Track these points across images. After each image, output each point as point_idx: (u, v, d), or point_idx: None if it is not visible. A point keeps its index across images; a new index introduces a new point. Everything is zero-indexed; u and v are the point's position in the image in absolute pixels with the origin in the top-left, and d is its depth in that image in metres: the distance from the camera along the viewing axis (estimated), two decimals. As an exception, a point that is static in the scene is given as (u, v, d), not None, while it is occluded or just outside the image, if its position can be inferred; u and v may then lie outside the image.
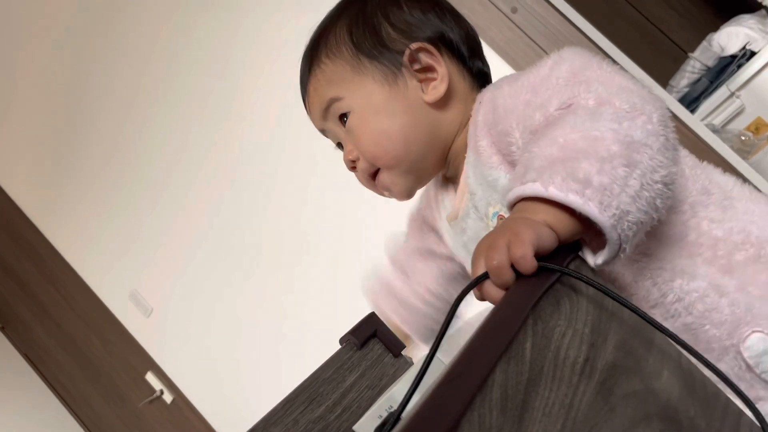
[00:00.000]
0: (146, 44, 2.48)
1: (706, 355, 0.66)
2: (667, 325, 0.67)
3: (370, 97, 0.81)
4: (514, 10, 1.69)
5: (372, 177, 0.85)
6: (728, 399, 0.51)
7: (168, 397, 2.64)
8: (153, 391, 2.66)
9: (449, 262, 0.98)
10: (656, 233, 0.67)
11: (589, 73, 0.64)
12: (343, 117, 0.83)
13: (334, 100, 0.83)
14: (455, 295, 0.46)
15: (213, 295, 2.47)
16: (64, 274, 2.85)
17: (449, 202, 0.90)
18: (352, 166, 0.85)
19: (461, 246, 0.88)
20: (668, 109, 0.62)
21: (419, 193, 1.00)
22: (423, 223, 1.00)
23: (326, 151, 2.10)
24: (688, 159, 0.72)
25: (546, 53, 1.62)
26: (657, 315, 0.68)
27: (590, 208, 0.51)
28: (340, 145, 0.88)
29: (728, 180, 0.73)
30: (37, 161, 2.92)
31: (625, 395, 0.43)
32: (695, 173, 0.71)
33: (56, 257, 2.86)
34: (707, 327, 0.66)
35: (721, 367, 0.67)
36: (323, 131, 0.89)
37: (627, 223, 0.52)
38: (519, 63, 1.65)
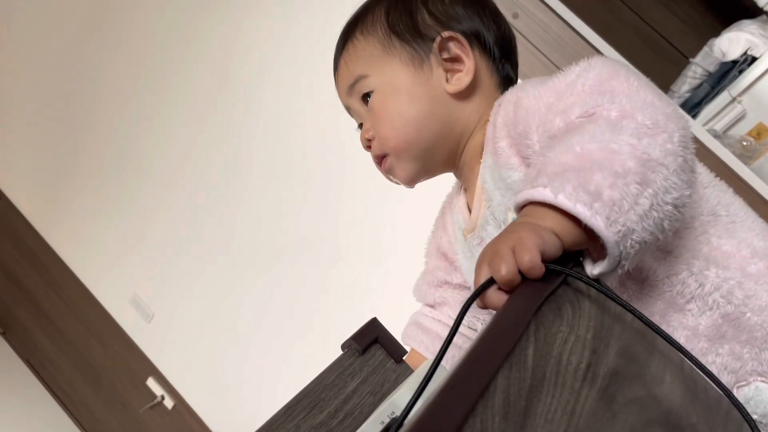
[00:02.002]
0: (146, 46, 2.49)
1: (750, 345, 0.66)
2: (705, 318, 0.67)
3: (395, 77, 0.82)
4: (516, 16, 1.69)
5: (380, 160, 0.86)
6: (730, 405, 0.51)
7: (169, 403, 2.64)
8: (154, 396, 2.66)
9: (465, 291, 0.97)
10: (675, 241, 0.67)
11: (615, 84, 0.63)
12: (366, 96, 0.84)
13: (360, 77, 0.84)
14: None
15: (214, 300, 2.47)
16: (65, 280, 2.85)
17: (462, 216, 0.89)
18: (368, 145, 0.86)
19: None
20: (691, 129, 0.61)
21: (433, 216, 0.99)
22: (437, 251, 0.98)
23: (329, 153, 2.09)
24: (702, 176, 0.72)
25: (548, 59, 1.63)
26: (694, 309, 0.67)
27: (597, 221, 0.50)
28: (361, 126, 0.88)
29: (735, 202, 0.73)
30: (38, 167, 2.93)
31: (627, 402, 0.43)
32: (706, 193, 0.71)
33: (57, 262, 2.86)
34: (748, 315, 0.66)
35: (766, 356, 0.66)
36: (347, 108, 0.90)
37: (631, 242, 0.52)
38: (521, 69, 1.64)
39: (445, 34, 0.81)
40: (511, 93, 0.78)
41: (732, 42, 2.19)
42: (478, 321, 0.96)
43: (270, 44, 2.22)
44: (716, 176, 0.75)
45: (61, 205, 2.86)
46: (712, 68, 2.23)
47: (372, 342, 0.81)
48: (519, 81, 0.88)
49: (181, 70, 2.41)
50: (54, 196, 2.88)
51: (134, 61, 2.53)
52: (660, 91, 0.64)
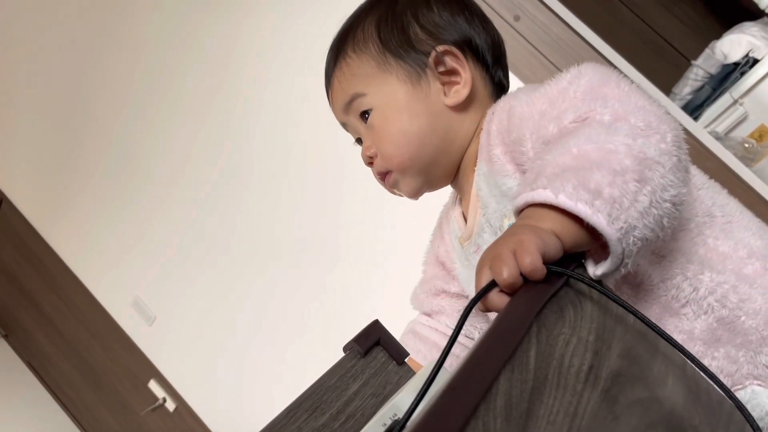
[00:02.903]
0: (146, 47, 2.49)
1: (746, 348, 0.67)
2: (700, 322, 0.68)
3: (393, 95, 0.82)
4: (517, 18, 1.69)
5: (383, 176, 0.86)
6: (732, 407, 0.51)
7: (171, 405, 2.64)
8: (156, 399, 2.66)
9: (463, 300, 0.97)
10: (670, 244, 0.67)
11: (606, 90, 0.64)
12: (364, 114, 0.84)
13: (357, 96, 0.83)
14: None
15: (216, 302, 2.47)
16: (67, 282, 2.86)
17: (457, 225, 0.90)
18: (370, 161, 0.86)
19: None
20: (683, 130, 0.62)
21: (434, 217, 1.00)
22: (435, 260, 0.99)
23: (329, 154, 2.08)
24: (696, 178, 0.73)
25: (549, 61, 1.63)
26: (690, 313, 0.68)
27: (598, 219, 0.51)
28: (359, 140, 0.89)
29: (731, 203, 0.73)
30: (39, 168, 2.93)
31: (629, 403, 0.43)
32: (701, 195, 0.72)
33: (59, 265, 2.87)
34: (743, 318, 0.66)
35: (761, 359, 0.67)
36: (344, 124, 0.90)
37: (633, 238, 0.52)
38: (522, 71, 1.65)
39: (440, 48, 0.81)
40: (504, 101, 0.79)
41: (733, 44, 2.19)
42: (475, 330, 0.97)
43: (269, 45, 2.22)
44: (710, 178, 0.76)
45: (62, 207, 2.86)
46: (713, 70, 2.23)
47: (374, 344, 0.81)
48: (512, 87, 0.88)
49: (180, 71, 2.42)
50: (55, 197, 2.88)
51: (134, 62, 2.53)
52: (650, 96, 0.65)
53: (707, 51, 2.28)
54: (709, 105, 2.16)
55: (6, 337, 3.29)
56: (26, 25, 2.81)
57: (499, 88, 0.87)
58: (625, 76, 0.68)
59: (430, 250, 1.01)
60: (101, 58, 2.62)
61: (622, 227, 0.51)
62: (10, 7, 2.81)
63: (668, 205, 0.55)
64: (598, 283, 0.50)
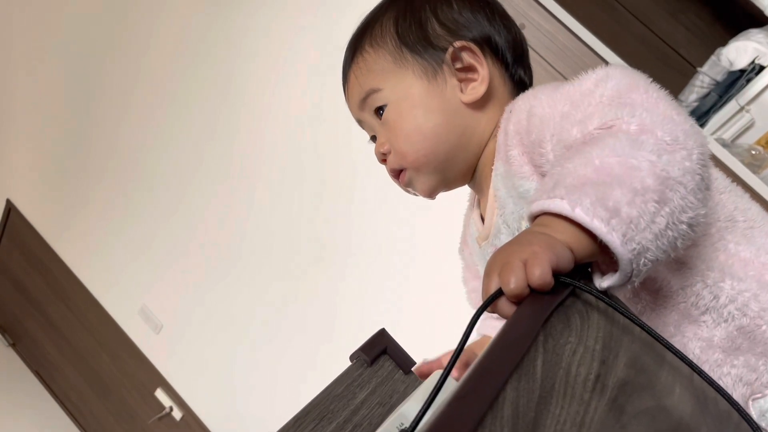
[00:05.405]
0: (153, 54, 2.51)
1: (766, 357, 0.66)
2: (720, 330, 0.67)
3: (408, 90, 0.81)
4: (522, 27, 1.70)
5: (397, 174, 0.85)
6: (740, 417, 0.51)
7: (177, 414, 2.64)
8: (162, 407, 2.67)
9: None
10: (690, 250, 0.67)
11: (635, 96, 0.62)
12: (379, 110, 0.83)
13: (372, 91, 0.83)
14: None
15: (223, 311, 2.47)
16: (75, 291, 2.87)
17: (476, 227, 0.89)
18: (383, 158, 0.85)
19: None
20: (708, 146, 0.60)
21: (447, 227, 0.99)
22: (471, 264, 0.98)
23: (346, 165, 2.08)
24: (718, 182, 0.72)
25: (555, 69, 1.63)
26: (709, 321, 0.67)
27: (613, 238, 0.50)
28: (374, 138, 0.88)
29: (752, 208, 0.72)
30: (47, 178, 2.95)
31: (636, 413, 0.42)
32: (722, 199, 0.70)
33: (66, 273, 2.88)
34: (764, 328, 0.65)
35: None
36: (359, 121, 0.89)
37: (644, 260, 0.52)
38: (527, 79, 1.65)
39: (458, 44, 0.80)
40: (523, 100, 0.77)
41: (739, 51, 2.19)
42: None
43: (278, 48, 2.23)
44: (732, 181, 0.74)
45: (70, 215, 2.87)
46: (719, 77, 2.23)
47: (380, 353, 0.81)
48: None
49: (188, 78, 2.43)
50: (62, 206, 2.90)
51: (141, 70, 2.55)
52: (678, 105, 0.63)
53: (713, 58, 2.27)
54: (715, 112, 2.15)
55: (14, 345, 3.30)
56: (34, 37, 2.82)
57: (520, 86, 0.86)
58: (653, 81, 0.66)
59: (463, 259, 1.00)
60: (107, 65, 2.63)
61: (635, 248, 0.51)
62: (14, 12, 2.83)
63: (685, 227, 0.54)
64: (604, 293, 0.50)
